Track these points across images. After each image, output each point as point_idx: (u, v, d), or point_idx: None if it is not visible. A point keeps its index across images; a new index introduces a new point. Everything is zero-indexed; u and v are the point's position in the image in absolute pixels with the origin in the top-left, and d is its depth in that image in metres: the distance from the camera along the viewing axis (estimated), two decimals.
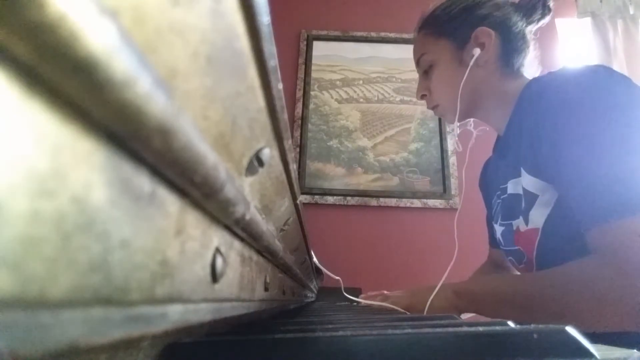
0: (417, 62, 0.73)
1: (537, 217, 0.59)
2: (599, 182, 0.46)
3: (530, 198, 0.60)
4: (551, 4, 0.68)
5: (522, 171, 0.61)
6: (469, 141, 0.78)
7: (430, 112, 0.83)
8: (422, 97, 0.75)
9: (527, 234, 0.62)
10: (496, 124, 0.70)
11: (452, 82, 0.67)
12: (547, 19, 0.69)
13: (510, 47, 0.66)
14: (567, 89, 0.53)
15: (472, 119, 0.76)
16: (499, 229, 0.73)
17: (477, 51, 0.64)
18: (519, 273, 0.72)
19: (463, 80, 0.65)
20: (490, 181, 0.81)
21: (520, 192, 0.63)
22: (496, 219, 0.74)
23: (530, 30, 0.68)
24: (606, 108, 0.49)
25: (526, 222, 0.62)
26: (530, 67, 0.69)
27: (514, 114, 0.64)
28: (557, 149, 0.51)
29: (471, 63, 0.64)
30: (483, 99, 0.68)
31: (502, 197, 0.71)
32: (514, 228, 0.67)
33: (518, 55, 0.66)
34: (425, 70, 0.72)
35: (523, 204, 0.63)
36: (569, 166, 0.50)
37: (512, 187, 0.67)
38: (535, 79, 0.63)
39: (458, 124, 0.71)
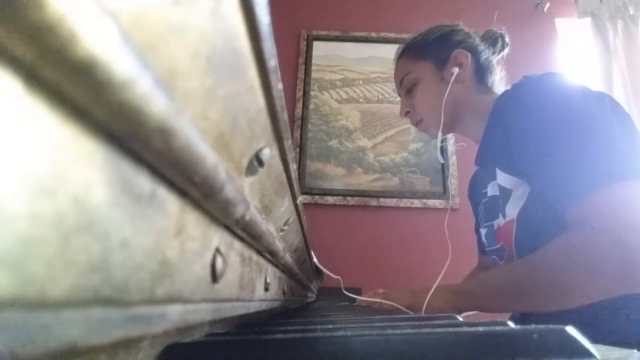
0: (400, 83, 0.80)
1: (512, 209, 0.65)
2: (567, 165, 0.51)
3: (506, 194, 0.66)
4: (507, 39, 0.81)
5: (497, 170, 0.68)
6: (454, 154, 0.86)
7: None
8: (406, 114, 0.82)
9: (505, 227, 0.68)
10: (474, 135, 0.78)
11: (435, 97, 0.75)
12: (506, 51, 0.81)
13: (482, 69, 0.76)
14: (531, 92, 0.60)
15: (451, 134, 0.85)
16: (483, 232, 0.79)
17: (456, 70, 0.73)
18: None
19: (446, 94, 0.73)
20: (475, 190, 0.88)
21: (497, 192, 0.69)
22: (481, 224, 0.81)
23: (494, 58, 0.79)
24: (567, 103, 0.56)
25: (504, 216, 0.68)
26: (500, 85, 0.79)
27: (488, 124, 0.72)
28: (527, 144, 0.57)
29: (452, 79, 0.73)
30: (462, 112, 0.76)
31: (484, 201, 0.78)
32: (495, 227, 0.72)
33: (489, 75, 0.77)
34: (408, 90, 0.79)
35: (500, 202, 0.68)
36: (540, 157, 0.55)
37: (491, 189, 0.74)
38: (504, 92, 0.71)
39: (442, 136, 0.78)
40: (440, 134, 0.76)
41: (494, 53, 0.79)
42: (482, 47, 0.77)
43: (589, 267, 0.47)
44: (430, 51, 0.76)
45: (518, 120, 0.60)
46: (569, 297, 0.49)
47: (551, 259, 0.50)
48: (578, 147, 0.51)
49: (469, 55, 0.74)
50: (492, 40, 0.79)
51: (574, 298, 0.48)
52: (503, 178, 0.66)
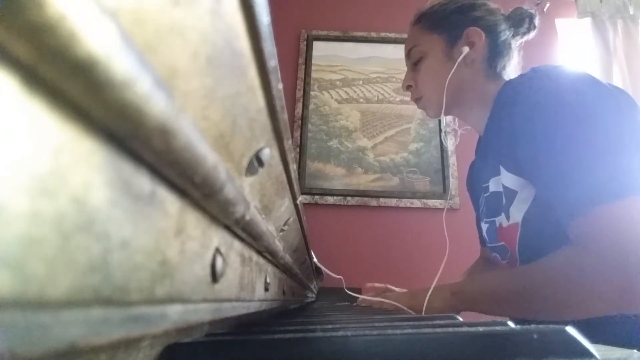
0: (408, 54, 0.75)
1: (517, 212, 0.61)
2: (573, 175, 0.49)
3: (510, 195, 0.63)
4: (537, 21, 0.72)
5: (502, 169, 0.64)
6: (455, 141, 0.84)
7: None
8: (408, 87, 0.77)
9: (509, 230, 0.65)
10: (475, 123, 0.73)
11: (439, 76, 0.69)
12: (532, 34, 0.73)
13: (496, 52, 0.69)
14: (540, 88, 0.56)
15: (457, 119, 0.79)
16: (484, 227, 0.75)
17: (466, 49, 0.67)
18: (504, 269, 0.73)
19: (450, 75, 0.67)
20: (475, 181, 0.83)
21: (501, 189, 0.66)
22: (482, 218, 0.77)
23: (516, 41, 0.72)
24: (576, 105, 0.52)
25: (507, 218, 0.64)
26: (512, 73, 0.72)
27: (492, 114, 0.67)
28: (534, 147, 0.54)
29: (459, 59, 0.67)
30: (465, 96, 0.70)
31: (485, 195, 0.74)
32: (497, 225, 0.69)
33: (502, 60, 0.70)
34: (415, 62, 0.74)
35: (504, 201, 0.65)
36: (546, 163, 0.52)
37: (493, 185, 0.69)
38: (509, 81, 0.66)
39: (445, 118, 0.75)
40: (442, 115, 0.72)
41: (515, 35, 0.71)
42: (502, 27, 0.70)
43: (586, 288, 0.46)
44: (444, 25, 0.70)
45: (526, 118, 0.56)
46: (565, 312, 0.48)
47: (550, 274, 0.50)
48: (587, 156, 0.48)
49: (483, 35, 0.68)
50: (518, 20, 0.72)
51: (570, 313, 0.48)
52: (508, 178, 0.63)
